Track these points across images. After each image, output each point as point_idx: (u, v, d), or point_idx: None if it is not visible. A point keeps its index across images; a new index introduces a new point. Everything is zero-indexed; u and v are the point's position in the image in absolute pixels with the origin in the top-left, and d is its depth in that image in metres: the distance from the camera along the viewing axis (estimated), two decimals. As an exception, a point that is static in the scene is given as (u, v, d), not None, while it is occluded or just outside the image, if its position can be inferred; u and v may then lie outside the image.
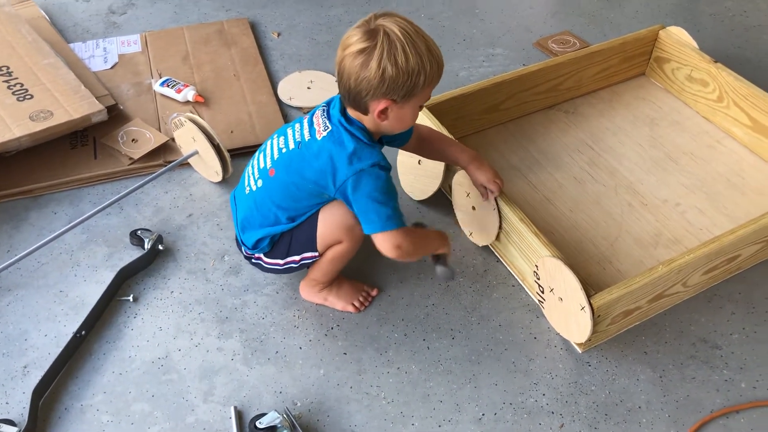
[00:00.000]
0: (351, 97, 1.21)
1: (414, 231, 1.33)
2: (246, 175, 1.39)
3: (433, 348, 1.41)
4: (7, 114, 1.74)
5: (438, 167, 1.58)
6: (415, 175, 1.67)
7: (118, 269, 1.50)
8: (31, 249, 1.50)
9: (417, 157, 1.63)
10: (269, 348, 1.40)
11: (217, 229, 1.65)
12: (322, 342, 1.42)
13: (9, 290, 1.51)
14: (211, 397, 1.32)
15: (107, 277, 1.51)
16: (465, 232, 1.60)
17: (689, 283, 1.43)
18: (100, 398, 1.32)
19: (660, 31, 1.96)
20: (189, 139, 1.72)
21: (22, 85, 1.84)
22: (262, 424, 1.22)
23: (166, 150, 1.82)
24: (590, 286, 1.29)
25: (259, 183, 1.33)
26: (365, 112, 1.22)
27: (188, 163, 1.79)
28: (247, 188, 1.37)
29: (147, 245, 1.55)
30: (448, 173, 1.56)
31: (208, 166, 1.72)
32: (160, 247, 1.57)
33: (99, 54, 2.16)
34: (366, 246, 1.36)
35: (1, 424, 1.24)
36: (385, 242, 1.27)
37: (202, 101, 1.97)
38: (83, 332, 1.40)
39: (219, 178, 1.73)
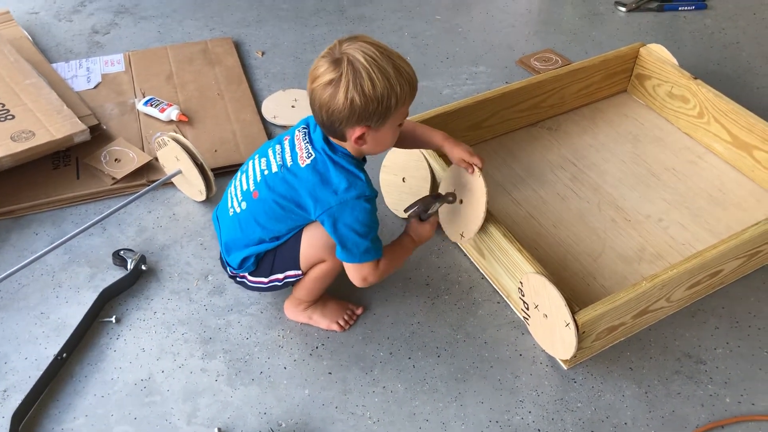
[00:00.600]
0: (326, 127, 1.21)
1: (387, 256, 1.32)
2: (229, 195, 1.38)
3: (418, 366, 1.40)
4: (-12, 134, 1.73)
5: (422, 185, 1.59)
6: (399, 192, 1.67)
7: (100, 290, 1.48)
8: (11, 270, 1.49)
9: (401, 176, 1.63)
10: (253, 368, 1.39)
11: (200, 248, 1.64)
12: (306, 362, 1.41)
13: (-11, 313, 1.49)
14: (194, 419, 1.31)
15: (89, 298, 1.49)
16: (455, 235, 1.52)
17: (673, 298, 1.43)
18: (81, 421, 1.30)
19: (641, 49, 1.98)
20: (172, 159, 1.71)
21: (3, 105, 1.83)
22: (246, 445, 1.21)
23: (149, 169, 1.81)
24: (575, 302, 1.29)
25: (243, 205, 1.33)
26: (343, 139, 1.22)
27: (172, 183, 1.79)
28: (231, 210, 1.36)
29: (130, 265, 1.54)
30: (434, 190, 1.57)
31: (192, 185, 1.72)
32: (144, 268, 1.56)
33: (82, 74, 2.16)
34: (350, 264, 1.36)
35: (-20, 450, 1.22)
36: (355, 273, 1.30)
37: (186, 120, 1.97)
38: (64, 354, 1.38)
39: (203, 197, 1.72)
